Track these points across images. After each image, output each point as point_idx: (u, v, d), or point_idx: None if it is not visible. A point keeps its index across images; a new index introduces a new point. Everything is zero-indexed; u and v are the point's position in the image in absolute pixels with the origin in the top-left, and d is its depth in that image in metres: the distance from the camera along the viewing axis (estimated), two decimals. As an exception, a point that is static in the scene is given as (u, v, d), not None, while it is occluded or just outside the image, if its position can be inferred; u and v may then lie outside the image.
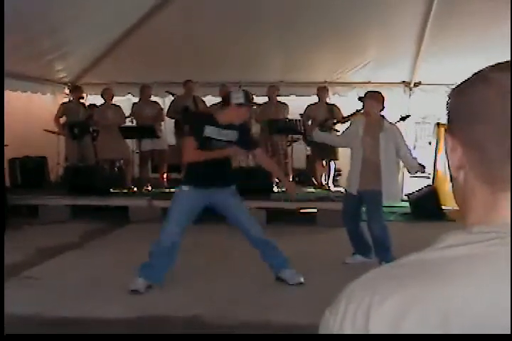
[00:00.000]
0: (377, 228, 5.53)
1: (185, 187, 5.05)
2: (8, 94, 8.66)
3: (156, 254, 4.92)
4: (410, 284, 0.69)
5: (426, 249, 0.74)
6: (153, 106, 9.56)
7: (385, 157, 5.45)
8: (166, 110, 9.76)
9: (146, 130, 9.05)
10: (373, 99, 5.58)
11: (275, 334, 3.95)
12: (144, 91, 9.54)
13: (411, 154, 5.70)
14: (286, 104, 9.59)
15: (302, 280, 5.17)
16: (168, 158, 9.87)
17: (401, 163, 5.89)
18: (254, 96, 9.65)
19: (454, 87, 0.81)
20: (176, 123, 9.73)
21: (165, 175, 9.89)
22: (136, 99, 9.95)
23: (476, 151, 0.75)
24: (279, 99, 9.65)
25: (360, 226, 5.76)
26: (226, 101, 5.05)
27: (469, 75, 0.79)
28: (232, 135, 4.96)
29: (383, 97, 5.62)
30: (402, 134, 5.69)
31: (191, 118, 9.58)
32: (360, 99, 5.84)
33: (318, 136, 6.25)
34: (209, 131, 4.88)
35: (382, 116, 5.65)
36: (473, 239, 0.71)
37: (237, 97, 4.92)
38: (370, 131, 5.51)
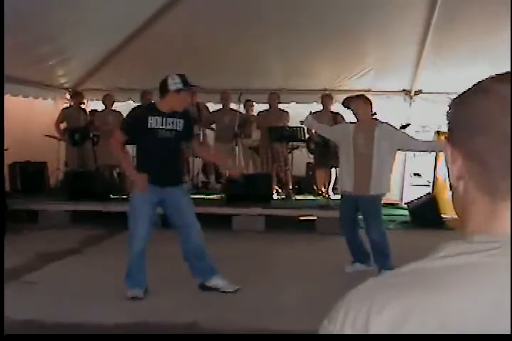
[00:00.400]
0: (376, 234, 5.50)
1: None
2: (9, 99, 8.67)
3: (132, 262, 4.86)
4: (409, 293, 0.69)
5: (425, 258, 0.74)
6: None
7: (378, 152, 5.36)
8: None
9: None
10: (359, 99, 5.58)
11: (274, 334, 3.95)
12: (145, 97, 9.55)
13: (421, 141, 5.72)
14: (286, 112, 9.60)
15: (237, 287, 5.00)
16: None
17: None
18: (254, 103, 9.83)
19: (454, 97, 0.82)
20: None
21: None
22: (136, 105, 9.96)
23: (476, 162, 0.76)
24: (279, 106, 9.66)
25: (359, 233, 5.74)
26: (163, 88, 4.77)
27: (470, 84, 0.80)
28: (177, 123, 4.78)
29: (369, 99, 5.61)
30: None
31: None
32: (344, 104, 5.82)
33: (309, 122, 6.21)
34: (153, 121, 4.71)
35: (375, 118, 5.65)
36: (472, 249, 0.71)
37: (174, 83, 4.69)
38: (364, 128, 5.46)
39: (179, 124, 4.80)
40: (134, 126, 4.82)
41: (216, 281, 4.99)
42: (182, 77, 4.75)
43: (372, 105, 5.59)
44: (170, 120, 4.75)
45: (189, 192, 5.03)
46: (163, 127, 4.73)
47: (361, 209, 5.60)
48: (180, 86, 4.69)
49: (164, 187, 4.81)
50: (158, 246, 6.85)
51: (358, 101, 5.55)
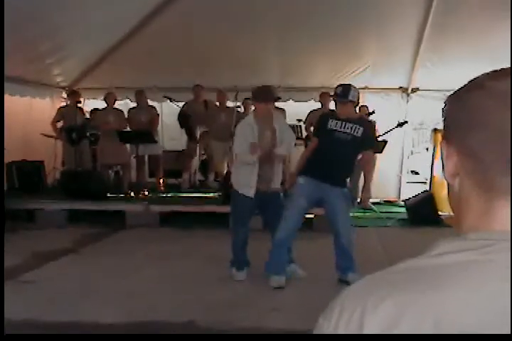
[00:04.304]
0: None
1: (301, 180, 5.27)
2: (6, 98, 8.66)
3: (273, 249, 5.29)
4: (403, 291, 0.69)
5: (420, 256, 0.74)
6: (149, 112, 9.54)
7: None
8: (163, 115, 9.83)
9: (144, 135, 9.05)
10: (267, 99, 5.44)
11: (271, 334, 3.95)
12: (138, 97, 9.53)
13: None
14: (283, 110, 9.57)
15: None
16: (163, 163, 9.91)
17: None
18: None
19: (450, 94, 0.82)
20: (186, 129, 9.80)
21: (161, 180, 9.91)
22: (133, 104, 9.95)
23: (471, 158, 0.75)
24: (276, 104, 9.62)
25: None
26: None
27: (466, 82, 0.80)
28: (355, 129, 5.11)
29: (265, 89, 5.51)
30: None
31: (187, 123, 9.63)
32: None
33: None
34: (332, 124, 5.13)
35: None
36: (467, 246, 0.71)
37: (334, 93, 5.15)
38: (266, 124, 5.40)
39: (358, 131, 5.13)
40: (319, 128, 5.36)
41: (351, 277, 5.16)
42: (342, 87, 5.17)
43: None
44: (349, 125, 5.12)
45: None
46: (341, 130, 5.12)
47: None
48: (336, 97, 5.17)
49: (324, 182, 5.13)
50: (157, 245, 6.88)
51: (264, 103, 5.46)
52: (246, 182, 5.31)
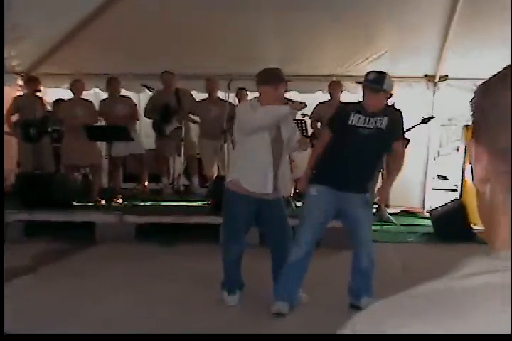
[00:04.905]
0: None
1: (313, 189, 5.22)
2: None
3: (284, 271, 5.24)
4: (423, 319, 0.69)
5: (444, 277, 0.73)
6: (125, 103, 9.53)
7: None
8: (140, 107, 9.81)
9: (117, 130, 9.01)
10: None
11: (271, 334, 3.97)
12: (112, 85, 9.52)
13: None
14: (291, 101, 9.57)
15: None
16: (146, 164, 9.88)
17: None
18: (248, 92, 9.83)
19: (480, 83, 0.81)
20: (154, 124, 9.70)
21: (146, 185, 9.91)
22: (104, 94, 9.94)
23: (502, 161, 0.75)
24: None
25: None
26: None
27: (501, 69, 0.79)
28: (379, 121, 5.08)
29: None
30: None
31: (168, 115, 9.56)
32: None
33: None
34: (354, 119, 5.08)
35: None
36: (498, 267, 0.70)
37: (365, 80, 5.06)
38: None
39: (381, 122, 5.11)
40: (336, 121, 5.27)
41: (365, 302, 5.12)
42: (375, 74, 5.05)
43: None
44: (373, 119, 5.09)
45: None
46: (364, 126, 5.09)
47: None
48: (366, 83, 5.05)
49: (343, 191, 5.11)
50: (133, 264, 6.88)
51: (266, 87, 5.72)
52: (261, 179, 5.19)
